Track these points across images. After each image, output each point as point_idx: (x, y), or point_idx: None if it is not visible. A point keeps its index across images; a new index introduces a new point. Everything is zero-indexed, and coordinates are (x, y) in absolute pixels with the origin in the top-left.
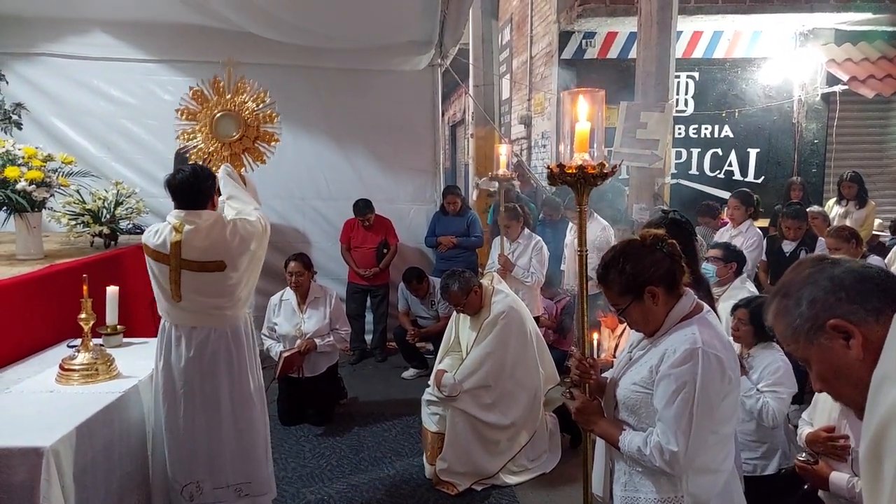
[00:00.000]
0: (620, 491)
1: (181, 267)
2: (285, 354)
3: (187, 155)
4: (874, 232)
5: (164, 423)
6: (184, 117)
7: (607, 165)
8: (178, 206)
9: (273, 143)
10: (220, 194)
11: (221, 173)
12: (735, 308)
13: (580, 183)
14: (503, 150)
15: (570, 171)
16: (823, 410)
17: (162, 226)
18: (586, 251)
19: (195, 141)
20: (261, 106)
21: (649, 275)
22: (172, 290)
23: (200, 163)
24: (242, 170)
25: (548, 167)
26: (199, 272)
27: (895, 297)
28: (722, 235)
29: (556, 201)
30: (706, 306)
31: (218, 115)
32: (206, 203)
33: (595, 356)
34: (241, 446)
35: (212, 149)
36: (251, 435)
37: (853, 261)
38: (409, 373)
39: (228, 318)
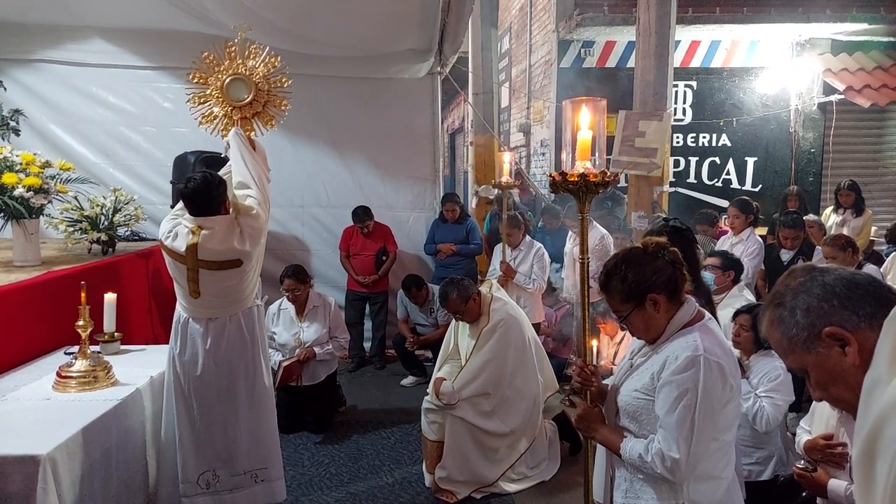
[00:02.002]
0: (621, 498)
1: (199, 266)
2: (284, 364)
3: (193, 157)
4: (871, 238)
5: (175, 416)
6: (195, 80)
7: (609, 174)
8: (192, 214)
9: (284, 107)
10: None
11: (231, 135)
12: (737, 314)
13: (582, 191)
14: (506, 158)
15: (572, 178)
16: (821, 418)
17: (178, 227)
18: (589, 259)
19: (208, 105)
20: (271, 71)
21: (651, 282)
22: (191, 287)
23: (210, 126)
24: (252, 134)
25: (550, 175)
26: (217, 270)
27: (886, 302)
28: (723, 243)
29: (556, 209)
30: (707, 314)
31: (228, 79)
32: (219, 208)
33: (594, 363)
34: (256, 433)
35: (222, 112)
36: (265, 421)
37: (842, 269)
38: (408, 380)
39: (243, 303)
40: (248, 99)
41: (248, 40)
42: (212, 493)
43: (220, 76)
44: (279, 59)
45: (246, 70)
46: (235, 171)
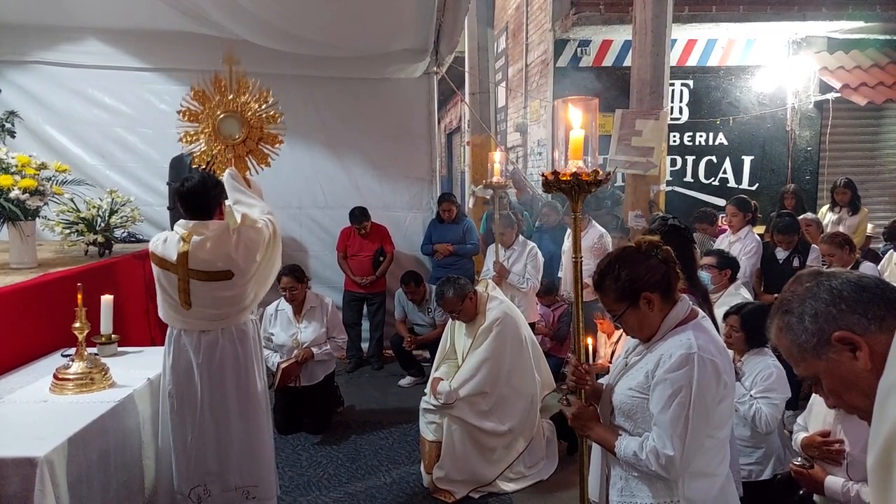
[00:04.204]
0: (617, 496)
1: (189, 277)
2: (283, 365)
3: (190, 158)
4: (869, 235)
5: (170, 428)
6: (185, 118)
7: (601, 173)
8: (186, 215)
9: (277, 145)
10: (227, 198)
11: (226, 177)
12: (727, 315)
13: (575, 190)
14: (497, 158)
15: (564, 178)
16: (818, 415)
17: (169, 235)
18: (581, 258)
19: (198, 144)
20: (264, 106)
21: (644, 281)
22: (182, 298)
23: (203, 166)
24: (247, 173)
25: (542, 174)
26: (208, 281)
27: (894, 305)
28: (721, 242)
29: (555, 204)
30: (701, 312)
31: (220, 115)
32: (213, 212)
33: (590, 362)
34: (248, 449)
35: (215, 151)
36: (258, 437)
37: (849, 272)
38: (406, 381)
39: (236, 319)
40: (241, 138)
41: (239, 73)
42: None
43: (211, 113)
44: (270, 92)
45: (238, 106)
46: (235, 210)
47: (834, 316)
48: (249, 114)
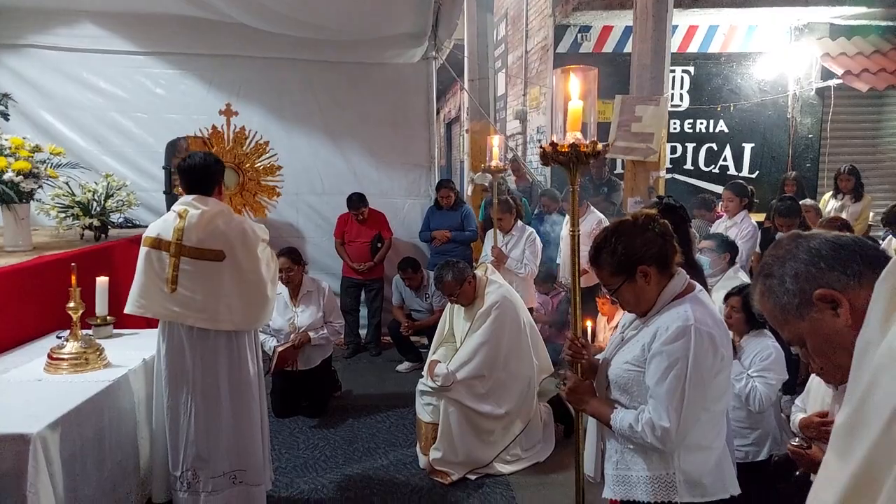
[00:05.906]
0: (612, 469)
1: (181, 254)
2: (279, 349)
3: (186, 142)
4: (870, 223)
5: (165, 410)
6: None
7: (599, 144)
8: (185, 190)
9: (275, 198)
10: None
11: None
12: (728, 296)
13: (573, 162)
14: (496, 142)
15: (562, 149)
16: (817, 396)
17: (166, 215)
18: (579, 232)
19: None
20: (262, 158)
21: (641, 254)
22: (170, 276)
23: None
24: None
25: (540, 146)
26: (199, 259)
27: (873, 261)
28: (718, 227)
29: (554, 192)
30: (698, 285)
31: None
32: (213, 188)
33: (588, 340)
34: (237, 434)
35: None
36: (248, 422)
37: (826, 232)
38: (404, 366)
39: (216, 319)
40: (236, 190)
41: (238, 126)
42: (192, 493)
43: None
44: (268, 144)
45: (235, 158)
46: None
47: (814, 275)
48: (246, 165)
